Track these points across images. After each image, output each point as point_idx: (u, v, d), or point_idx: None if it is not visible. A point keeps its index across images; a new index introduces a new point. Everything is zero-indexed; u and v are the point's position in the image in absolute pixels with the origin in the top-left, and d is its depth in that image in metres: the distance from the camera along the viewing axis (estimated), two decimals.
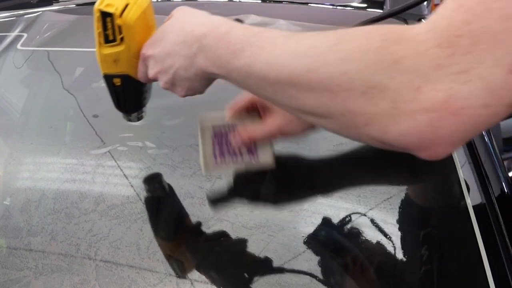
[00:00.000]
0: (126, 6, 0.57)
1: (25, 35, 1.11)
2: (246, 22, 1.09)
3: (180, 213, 0.71)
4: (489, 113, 0.36)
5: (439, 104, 0.36)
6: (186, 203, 0.72)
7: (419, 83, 0.37)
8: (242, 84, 0.51)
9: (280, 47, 0.46)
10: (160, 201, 0.74)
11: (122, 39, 0.59)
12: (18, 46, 1.08)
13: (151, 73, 0.59)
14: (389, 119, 0.39)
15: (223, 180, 0.74)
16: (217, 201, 0.72)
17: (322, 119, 0.45)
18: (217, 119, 0.70)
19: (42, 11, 1.25)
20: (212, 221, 0.69)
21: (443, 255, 0.65)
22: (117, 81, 0.64)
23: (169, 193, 0.74)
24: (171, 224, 0.72)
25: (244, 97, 0.69)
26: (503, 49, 0.34)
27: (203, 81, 0.57)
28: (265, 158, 0.69)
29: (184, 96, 0.60)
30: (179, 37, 0.55)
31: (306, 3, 1.30)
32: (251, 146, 0.69)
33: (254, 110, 0.69)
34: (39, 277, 0.62)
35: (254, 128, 0.67)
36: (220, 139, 0.69)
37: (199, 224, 0.68)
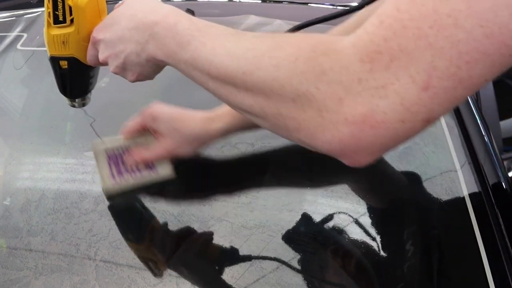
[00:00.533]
0: None
1: (25, 35, 1.11)
2: (246, 23, 1.09)
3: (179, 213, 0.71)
4: (406, 127, 0.38)
5: (359, 117, 0.38)
6: (186, 203, 0.72)
7: (342, 95, 0.38)
8: (188, 76, 0.52)
9: (220, 47, 0.47)
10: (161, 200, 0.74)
11: (72, 20, 0.58)
12: (18, 46, 1.08)
13: (102, 56, 0.60)
14: (316, 126, 0.40)
15: (223, 180, 0.74)
16: (217, 201, 0.72)
17: (259, 119, 0.46)
18: (110, 142, 0.73)
19: (42, 11, 1.25)
20: (212, 221, 0.69)
21: (443, 255, 0.65)
22: (64, 64, 0.63)
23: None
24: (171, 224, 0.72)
25: (137, 120, 0.73)
26: (417, 66, 0.36)
27: (154, 67, 0.58)
28: (164, 171, 0.73)
29: (134, 81, 0.60)
30: (131, 23, 0.55)
31: (306, 3, 1.30)
32: (148, 163, 0.73)
33: (147, 130, 0.73)
34: (39, 277, 0.62)
35: (145, 150, 0.72)
36: (115, 159, 0.72)
37: (198, 224, 0.68)
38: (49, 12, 0.59)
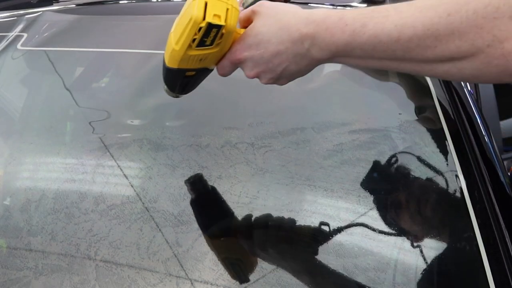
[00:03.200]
0: (227, 11, 0.56)
1: (25, 35, 1.11)
2: None
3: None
4: None
5: None
6: (186, 203, 0.72)
7: None
8: (364, 58, 0.54)
9: (406, 8, 0.49)
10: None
11: (219, 44, 0.58)
12: (18, 46, 1.08)
13: (252, 73, 0.61)
14: None
15: (223, 180, 0.74)
16: (217, 201, 0.72)
17: (463, 61, 0.47)
18: None
19: (42, 11, 1.25)
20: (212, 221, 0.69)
21: (442, 255, 0.65)
22: (191, 73, 0.63)
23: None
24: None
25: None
26: None
27: (312, 68, 0.60)
28: None
29: (287, 83, 0.62)
30: (283, 37, 0.56)
31: (306, 3, 1.29)
32: None
33: None
34: (39, 277, 0.62)
35: None
36: None
37: (198, 224, 0.68)
38: (194, 39, 0.56)
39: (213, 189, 0.73)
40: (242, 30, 0.60)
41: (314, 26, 0.54)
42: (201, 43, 0.57)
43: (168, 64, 0.62)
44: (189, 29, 0.55)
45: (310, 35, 0.54)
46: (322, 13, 0.55)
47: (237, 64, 0.61)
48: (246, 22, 0.61)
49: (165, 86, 0.68)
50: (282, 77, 0.60)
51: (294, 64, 0.58)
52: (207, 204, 0.72)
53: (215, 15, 0.55)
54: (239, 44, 0.60)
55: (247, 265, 0.64)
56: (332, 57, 0.56)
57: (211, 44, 0.57)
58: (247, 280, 0.62)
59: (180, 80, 0.65)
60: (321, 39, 0.54)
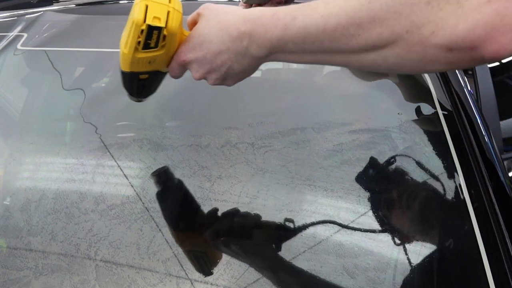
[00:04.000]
0: (168, 14, 0.57)
1: (25, 35, 1.11)
2: None
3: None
4: None
5: None
6: (186, 203, 0.72)
7: None
8: (297, 52, 0.55)
9: (332, 1, 0.50)
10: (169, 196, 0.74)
11: (163, 45, 0.59)
12: (18, 46, 1.08)
13: (198, 75, 0.62)
14: (455, 19, 0.42)
15: (223, 180, 0.74)
16: (217, 201, 0.72)
17: (385, 49, 0.48)
18: None
19: (42, 11, 1.25)
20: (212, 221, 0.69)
21: (443, 255, 0.65)
22: (144, 76, 0.65)
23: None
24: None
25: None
26: None
27: (256, 66, 0.60)
28: None
29: (234, 84, 0.63)
30: (224, 37, 0.57)
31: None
32: None
33: None
34: (39, 277, 0.62)
35: None
36: None
37: (197, 224, 0.68)
38: (139, 41, 0.58)
39: (214, 189, 0.73)
40: (188, 33, 0.62)
41: (251, 23, 0.55)
42: (146, 46, 0.58)
43: (121, 67, 0.63)
44: (133, 32, 0.57)
45: (248, 32, 0.56)
46: (258, 11, 0.57)
47: (183, 65, 0.62)
48: (193, 25, 0.62)
49: (126, 92, 0.69)
50: (228, 77, 0.61)
51: (237, 64, 0.59)
52: (207, 204, 0.72)
53: (155, 17, 0.56)
54: (184, 46, 0.61)
55: (247, 264, 0.64)
56: (269, 54, 0.56)
57: (155, 46, 0.58)
58: (247, 280, 0.62)
59: (136, 83, 0.66)
60: (257, 36, 0.55)
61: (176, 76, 0.65)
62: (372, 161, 0.75)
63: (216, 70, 0.60)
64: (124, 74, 0.64)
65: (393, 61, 0.49)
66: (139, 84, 0.66)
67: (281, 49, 0.55)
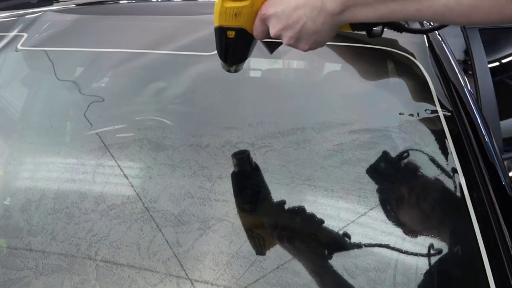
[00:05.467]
0: None
1: (25, 35, 1.11)
2: None
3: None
4: None
5: None
6: (186, 203, 0.72)
7: None
8: (371, 3, 0.55)
9: None
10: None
11: None
12: (18, 46, 1.08)
13: (274, 30, 0.63)
14: None
15: (223, 180, 0.74)
16: (217, 201, 0.72)
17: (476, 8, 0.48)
18: None
19: (42, 11, 1.25)
20: (212, 221, 0.69)
21: (443, 255, 0.65)
22: (231, 34, 0.66)
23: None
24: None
25: None
26: None
27: (330, 30, 0.61)
28: None
29: (307, 49, 0.63)
30: None
31: None
32: None
33: None
34: (39, 277, 0.62)
35: None
36: None
37: (199, 224, 0.68)
38: None
39: (214, 189, 0.73)
40: None
41: None
42: None
43: (214, 25, 0.66)
44: None
45: None
46: None
47: (265, 20, 0.63)
48: None
49: (220, 59, 0.72)
50: (301, 37, 0.61)
51: (311, 21, 0.59)
52: (207, 204, 0.72)
53: None
54: (267, 1, 0.63)
55: (247, 265, 0.64)
56: (344, 8, 0.57)
57: None
58: (247, 280, 0.62)
59: (224, 41, 0.68)
60: None
61: (259, 35, 0.66)
62: (373, 161, 0.75)
63: (292, 27, 0.60)
64: (215, 31, 0.67)
65: (468, 3, 0.48)
66: (227, 43, 0.68)
67: (355, 1, 0.55)
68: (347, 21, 0.59)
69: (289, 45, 0.63)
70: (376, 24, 0.68)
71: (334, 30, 0.61)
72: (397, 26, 0.75)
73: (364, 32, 0.71)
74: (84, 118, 0.89)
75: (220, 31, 0.67)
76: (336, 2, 0.57)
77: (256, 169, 0.75)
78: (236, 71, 0.74)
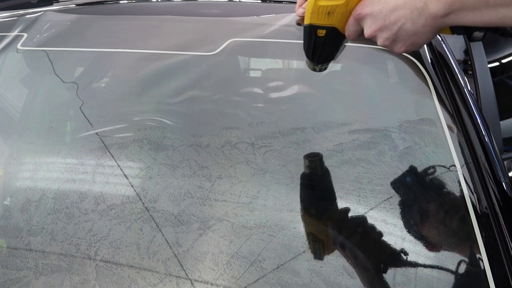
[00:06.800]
0: None
1: (25, 35, 1.11)
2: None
3: None
4: None
5: None
6: (185, 203, 0.72)
7: None
8: (479, 8, 0.53)
9: None
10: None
11: None
12: (19, 46, 1.08)
13: (369, 31, 0.61)
14: None
15: (223, 180, 0.74)
16: (217, 201, 0.72)
17: None
18: None
19: (42, 11, 1.25)
20: (212, 221, 0.69)
21: (443, 255, 0.65)
22: (321, 32, 0.65)
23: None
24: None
25: None
26: None
27: (430, 33, 0.59)
28: None
29: (403, 52, 0.62)
30: None
31: None
32: None
33: None
34: (39, 277, 0.62)
35: None
36: None
37: (199, 224, 0.68)
38: None
39: (214, 189, 0.73)
40: None
41: None
42: None
43: (304, 22, 0.65)
44: None
45: None
46: None
47: (359, 20, 0.62)
48: None
49: (306, 58, 0.71)
50: (398, 39, 0.60)
51: (411, 22, 0.57)
52: (207, 204, 0.72)
53: None
54: (363, 1, 0.61)
55: (247, 265, 0.64)
56: (449, 12, 0.55)
57: None
58: (247, 280, 0.62)
59: (313, 40, 0.67)
60: None
61: (351, 35, 0.65)
62: (372, 162, 0.75)
63: (389, 28, 0.59)
64: (304, 29, 0.66)
65: None
66: (316, 41, 0.67)
67: (462, 5, 0.53)
68: (450, 24, 0.57)
69: (384, 46, 0.62)
70: (480, 28, 0.65)
71: (434, 33, 0.59)
72: (503, 31, 0.73)
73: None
74: (84, 118, 0.89)
75: (310, 29, 0.66)
76: (440, 4, 0.54)
77: (326, 173, 0.74)
78: (321, 70, 0.73)
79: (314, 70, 0.73)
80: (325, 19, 0.63)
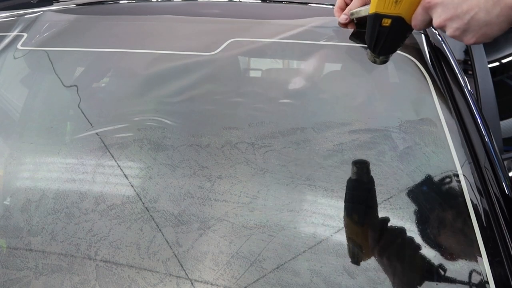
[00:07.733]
0: None
1: (25, 35, 1.11)
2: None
3: None
4: None
5: None
6: (186, 203, 0.72)
7: None
8: None
9: None
10: None
11: None
12: (18, 46, 1.08)
13: (439, 20, 0.60)
14: None
15: (224, 180, 0.74)
16: (217, 201, 0.72)
17: None
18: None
19: (42, 11, 1.25)
20: (212, 221, 0.69)
21: (443, 255, 0.65)
22: (386, 22, 0.64)
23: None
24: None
25: None
26: None
27: (504, 23, 0.56)
28: None
29: (473, 43, 0.60)
30: None
31: (306, 3, 1.30)
32: None
33: None
34: (39, 277, 0.62)
35: None
36: None
37: (199, 224, 0.68)
38: None
39: (214, 189, 0.73)
40: None
41: None
42: None
43: (369, 11, 0.64)
44: None
45: None
46: None
47: (428, 9, 0.60)
48: None
49: (368, 49, 0.69)
50: (469, 29, 0.58)
51: (484, 12, 0.55)
52: (207, 204, 0.72)
53: None
54: None
55: (247, 265, 0.64)
56: None
57: None
58: (247, 280, 0.62)
59: (377, 29, 0.65)
60: None
61: (418, 24, 0.63)
62: (372, 162, 0.75)
63: (460, 17, 0.57)
64: (369, 18, 0.64)
65: None
66: (380, 31, 0.65)
67: None
68: None
69: (453, 36, 0.60)
70: None
71: (509, 24, 0.57)
72: None
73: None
74: (84, 118, 0.89)
75: (375, 18, 0.64)
76: None
77: (370, 181, 0.73)
78: (382, 62, 0.72)
79: (375, 62, 0.71)
80: (392, 8, 0.62)
